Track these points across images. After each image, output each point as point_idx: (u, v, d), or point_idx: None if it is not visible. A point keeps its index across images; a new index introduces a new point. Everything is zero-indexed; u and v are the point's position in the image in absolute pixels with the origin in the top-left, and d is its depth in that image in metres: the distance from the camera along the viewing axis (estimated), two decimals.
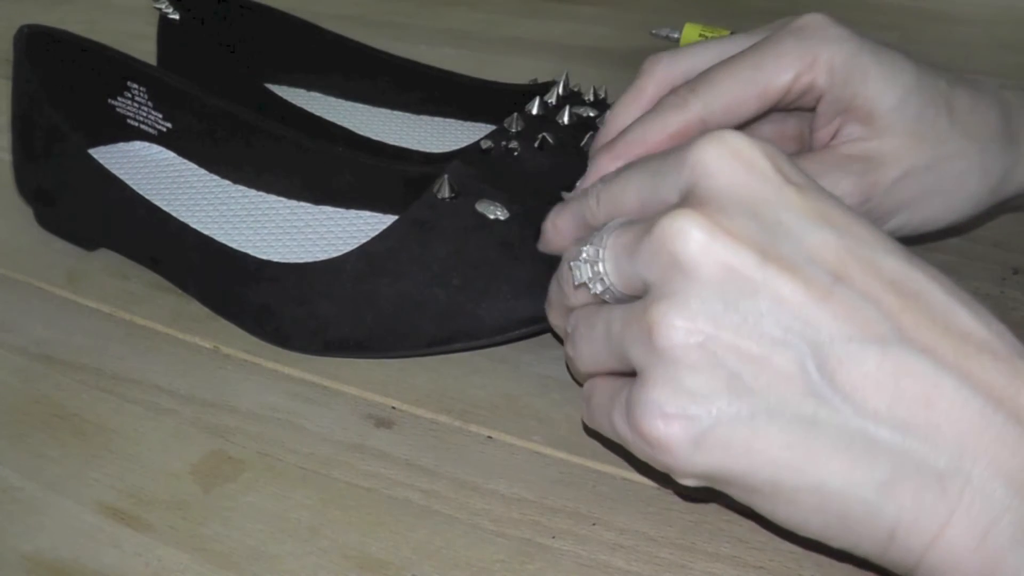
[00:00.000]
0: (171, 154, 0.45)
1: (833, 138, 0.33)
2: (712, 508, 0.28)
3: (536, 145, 0.40)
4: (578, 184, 0.34)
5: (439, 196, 0.35)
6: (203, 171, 0.44)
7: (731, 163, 0.24)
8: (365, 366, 0.35)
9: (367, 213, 0.41)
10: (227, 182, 0.43)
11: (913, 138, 0.32)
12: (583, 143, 0.40)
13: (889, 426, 0.22)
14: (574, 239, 0.30)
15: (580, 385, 0.32)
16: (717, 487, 0.24)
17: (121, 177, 0.39)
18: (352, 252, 0.34)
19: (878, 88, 0.32)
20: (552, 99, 0.43)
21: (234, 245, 0.37)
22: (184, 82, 0.41)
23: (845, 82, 0.32)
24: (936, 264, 0.24)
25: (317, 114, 0.45)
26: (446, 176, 0.35)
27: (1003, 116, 0.34)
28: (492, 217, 0.34)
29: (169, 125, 0.44)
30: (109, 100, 0.44)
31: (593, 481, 0.30)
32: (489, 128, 0.45)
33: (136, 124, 0.45)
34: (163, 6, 0.47)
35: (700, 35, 0.63)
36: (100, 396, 0.34)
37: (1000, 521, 0.21)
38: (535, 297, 0.32)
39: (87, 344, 0.36)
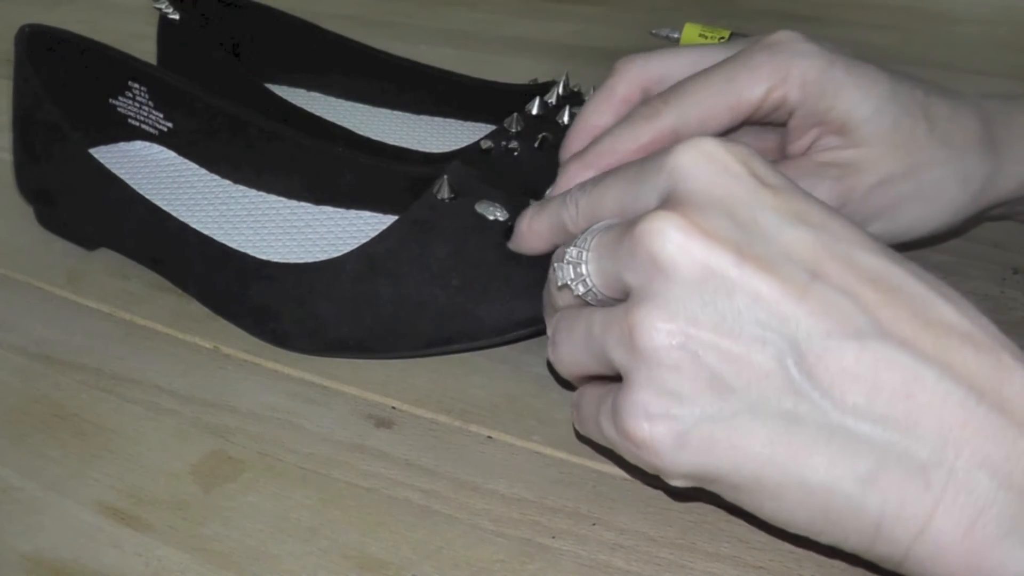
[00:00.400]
0: (172, 154, 0.45)
1: (810, 147, 0.34)
2: (712, 508, 0.28)
3: (536, 145, 0.40)
4: (548, 192, 0.34)
5: (439, 197, 0.35)
6: (204, 171, 0.44)
7: (707, 166, 0.24)
8: (365, 366, 0.35)
9: (367, 213, 0.41)
10: (228, 182, 0.43)
11: (890, 147, 0.33)
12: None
13: (869, 420, 0.22)
14: (549, 242, 0.31)
15: (563, 384, 0.33)
16: (704, 486, 0.25)
17: (122, 177, 0.39)
18: (351, 252, 0.34)
19: (852, 101, 0.32)
20: (552, 99, 0.43)
21: (234, 245, 0.37)
22: (185, 82, 0.41)
23: (818, 96, 0.32)
24: (936, 264, 0.24)
25: (317, 114, 0.45)
26: (445, 177, 0.35)
27: (983, 124, 0.34)
28: (491, 218, 0.34)
29: (170, 125, 0.44)
30: (110, 100, 0.44)
31: (593, 481, 0.30)
32: (489, 128, 0.45)
33: (137, 124, 0.45)
34: (163, 6, 0.47)
35: (700, 35, 0.63)
36: (100, 396, 0.34)
37: (986, 513, 0.21)
38: (534, 298, 0.32)
39: (87, 344, 0.36)
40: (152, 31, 0.49)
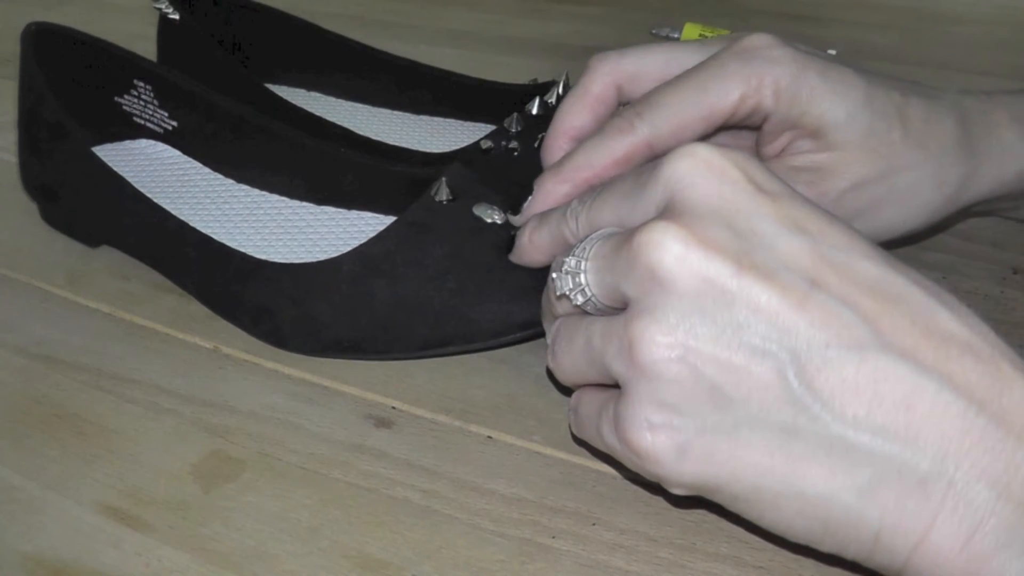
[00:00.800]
0: (176, 152, 0.45)
1: (783, 151, 0.34)
2: (712, 508, 0.28)
3: (536, 145, 0.40)
4: (525, 205, 0.34)
5: (437, 199, 0.35)
6: (207, 170, 0.44)
7: (704, 175, 0.24)
8: (365, 366, 0.35)
9: (368, 214, 0.41)
10: (231, 181, 0.44)
11: (863, 151, 0.33)
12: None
13: (868, 431, 0.22)
14: (550, 255, 0.31)
15: (562, 389, 0.33)
16: (705, 495, 0.25)
17: (126, 175, 0.39)
18: (348, 253, 0.34)
19: (825, 106, 0.32)
20: (552, 99, 0.43)
21: (234, 244, 0.37)
22: (189, 81, 0.41)
23: (791, 102, 0.32)
24: (936, 264, 0.24)
25: (317, 114, 0.45)
26: (444, 179, 0.35)
27: (960, 125, 0.34)
28: (489, 220, 0.34)
29: (174, 123, 0.44)
30: (115, 98, 0.44)
31: (593, 481, 0.30)
32: (489, 128, 0.45)
33: (142, 122, 0.45)
34: (163, 6, 0.47)
35: (700, 35, 0.63)
36: (100, 396, 0.34)
37: (984, 525, 0.21)
38: (531, 301, 0.32)
39: (87, 344, 0.36)
40: (152, 31, 0.49)
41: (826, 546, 0.23)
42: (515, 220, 0.34)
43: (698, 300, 0.23)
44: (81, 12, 0.75)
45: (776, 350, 0.22)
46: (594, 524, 0.28)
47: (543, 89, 0.46)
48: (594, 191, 0.29)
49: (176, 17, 0.47)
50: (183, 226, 0.38)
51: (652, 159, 0.32)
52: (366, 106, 0.52)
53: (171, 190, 0.43)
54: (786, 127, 0.33)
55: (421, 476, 0.30)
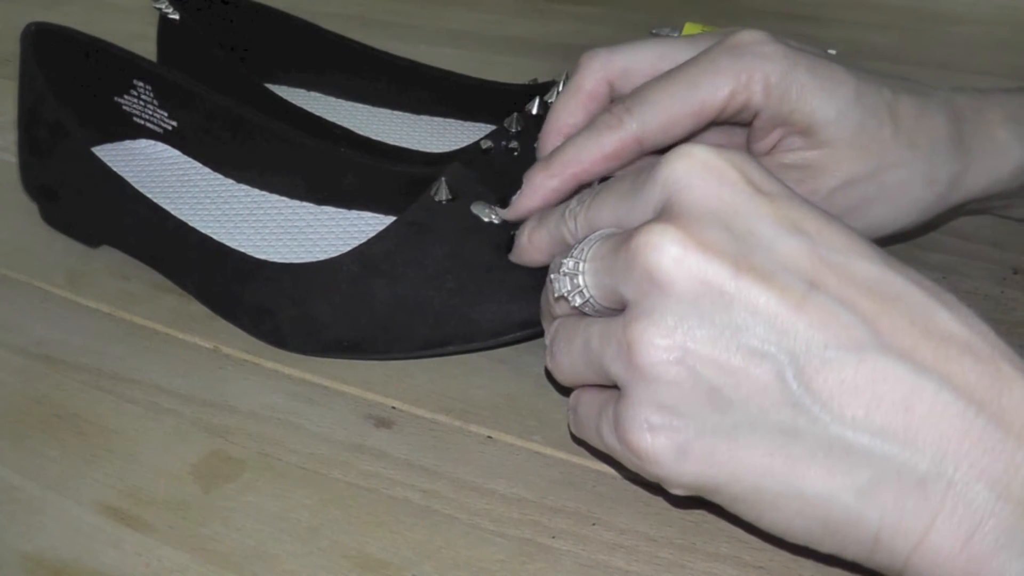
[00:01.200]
0: (176, 152, 0.45)
1: (774, 148, 0.34)
2: (712, 508, 0.28)
3: (536, 145, 0.40)
4: (513, 199, 0.34)
5: (436, 199, 0.35)
6: (207, 170, 0.44)
7: (702, 176, 0.24)
8: (365, 366, 0.35)
9: (368, 214, 0.41)
10: (230, 181, 0.44)
11: (853, 149, 0.33)
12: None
13: (867, 432, 0.22)
14: (549, 255, 0.31)
15: (561, 389, 0.33)
16: (705, 496, 0.25)
17: (126, 175, 0.39)
18: (348, 253, 0.34)
19: (815, 103, 0.32)
20: (552, 99, 0.43)
21: (234, 244, 0.37)
22: (189, 81, 0.41)
23: (781, 99, 0.32)
24: (936, 264, 0.24)
25: (317, 114, 0.45)
26: (443, 179, 0.35)
27: (952, 122, 0.34)
28: (486, 220, 0.34)
29: (174, 124, 0.44)
30: (115, 98, 0.44)
31: (593, 481, 0.30)
32: (489, 128, 0.45)
33: (142, 122, 0.45)
34: (163, 6, 0.47)
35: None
36: (100, 396, 0.34)
37: (984, 525, 0.21)
38: (530, 301, 0.32)
39: (87, 344, 0.36)
40: (152, 31, 0.49)
41: (825, 546, 0.24)
42: (504, 214, 0.34)
43: (696, 302, 0.23)
44: (81, 12, 0.75)
45: (775, 351, 0.22)
46: (594, 524, 0.28)
47: (543, 89, 0.45)
48: (593, 190, 0.29)
49: (176, 17, 0.47)
50: (183, 226, 0.38)
51: (641, 155, 0.32)
52: (366, 106, 0.52)
53: (171, 190, 0.43)
54: (776, 124, 0.33)
55: (421, 476, 0.30)
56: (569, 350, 0.27)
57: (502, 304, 0.33)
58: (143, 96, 0.43)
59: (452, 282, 0.34)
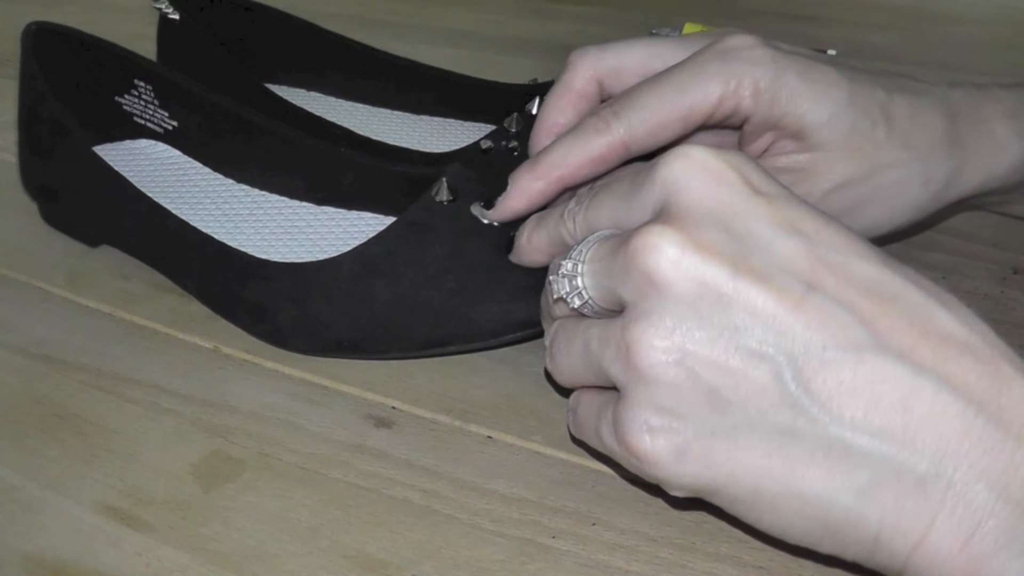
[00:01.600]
0: (176, 152, 0.45)
1: (766, 151, 0.34)
2: (712, 508, 0.28)
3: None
4: (499, 200, 0.34)
5: (437, 199, 0.35)
6: (207, 170, 0.44)
7: (700, 177, 0.24)
8: (365, 366, 0.35)
9: (368, 215, 0.41)
10: (231, 181, 0.44)
11: (847, 151, 0.33)
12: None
13: (867, 433, 0.22)
14: (549, 256, 0.31)
15: (560, 390, 0.33)
16: (704, 498, 0.25)
17: (127, 174, 0.39)
18: (348, 253, 0.34)
19: (806, 106, 0.32)
20: None
21: (235, 244, 0.37)
22: (190, 81, 0.41)
23: (771, 104, 0.32)
24: (936, 264, 0.24)
25: (317, 114, 0.45)
26: (444, 179, 0.35)
27: (948, 120, 0.34)
28: (485, 220, 0.34)
29: (175, 123, 0.44)
30: (116, 98, 0.44)
31: (593, 481, 0.30)
32: (489, 128, 0.45)
33: (143, 122, 0.45)
34: (163, 6, 0.47)
35: None
36: (100, 396, 0.34)
37: (983, 525, 0.21)
38: (530, 301, 0.32)
39: (87, 344, 0.36)
40: (152, 31, 0.49)
41: (825, 547, 0.24)
42: (489, 215, 0.34)
43: (695, 304, 0.23)
44: (81, 12, 0.75)
45: (773, 353, 0.22)
46: (594, 524, 0.28)
47: (543, 89, 0.45)
48: (591, 190, 0.29)
49: (176, 17, 0.47)
50: (183, 226, 0.38)
51: (629, 159, 0.32)
52: (366, 106, 0.52)
53: (171, 190, 0.43)
54: (767, 128, 0.33)
55: (421, 476, 0.30)
56: (568, 351, 0.27)
57: (502, 304, 0.33)
58: (143, 96, 0.43)
59: (452, 282, 0.34)
